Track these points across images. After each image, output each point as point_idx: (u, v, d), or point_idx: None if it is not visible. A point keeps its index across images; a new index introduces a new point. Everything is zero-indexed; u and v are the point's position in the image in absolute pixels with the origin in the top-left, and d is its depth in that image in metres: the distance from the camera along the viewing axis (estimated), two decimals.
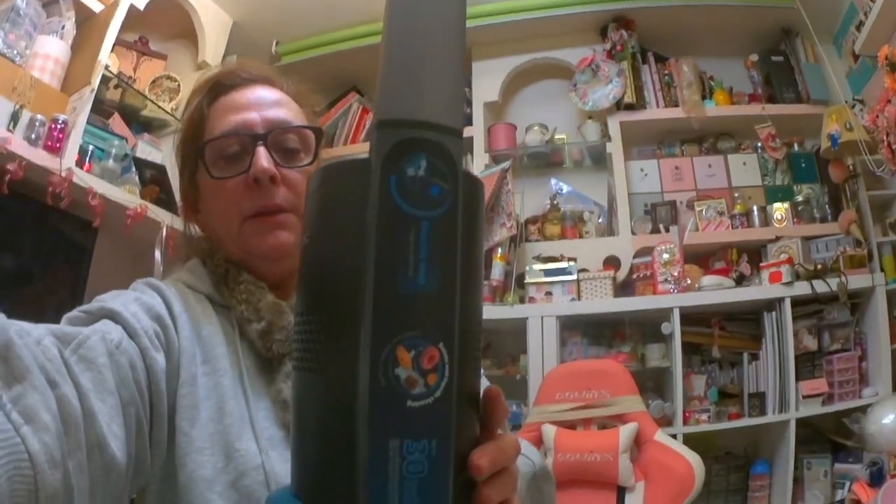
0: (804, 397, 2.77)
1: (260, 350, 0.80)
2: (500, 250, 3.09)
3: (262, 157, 0.81)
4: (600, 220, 3.40)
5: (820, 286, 2.84)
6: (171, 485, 0.71)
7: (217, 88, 0.88)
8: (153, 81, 3.10)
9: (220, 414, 0.74)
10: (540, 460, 0.78)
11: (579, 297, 3.03)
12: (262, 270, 0.85)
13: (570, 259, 3.14)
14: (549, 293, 3.05)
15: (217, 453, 0.72)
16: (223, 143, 0.83)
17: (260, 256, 0.84)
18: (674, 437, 2.62)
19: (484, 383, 0.51)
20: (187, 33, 3.21)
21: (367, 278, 0.41)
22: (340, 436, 0.42)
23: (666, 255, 3.00)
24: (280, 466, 0.73)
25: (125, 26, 2.69)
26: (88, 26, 2.64)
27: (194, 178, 0.89)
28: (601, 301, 3.02)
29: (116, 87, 2.83)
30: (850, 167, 3.04)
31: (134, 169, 2.74)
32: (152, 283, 0.82)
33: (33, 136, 2.26)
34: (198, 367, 0.75)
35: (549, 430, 2.50)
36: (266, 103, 0.86)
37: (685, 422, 2.80)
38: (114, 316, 0.70)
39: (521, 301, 3.06)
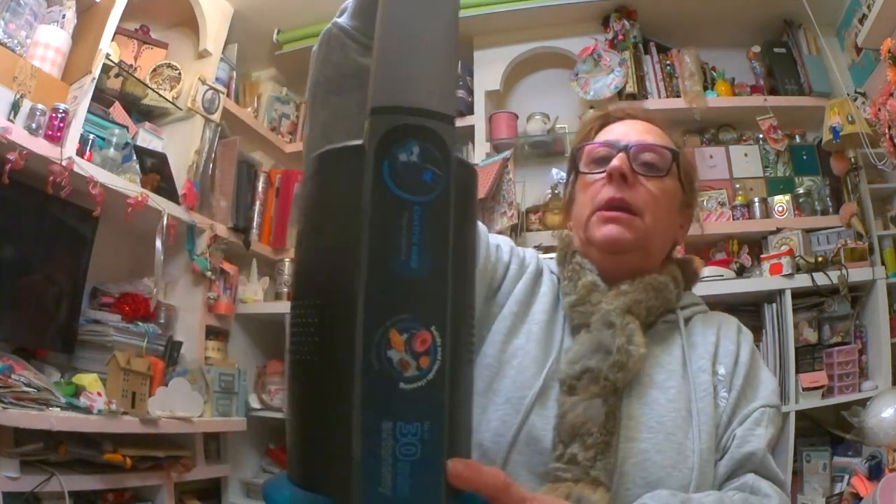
0: (804, 389, 2.77)
1: (568, 317, 1.00)
2: None
3: (619, 158, 0.99)
4: None
5: (820, 279, 2.83)
6: None
7: (607, 119, 1.11)
8: (154, 70, 3.09)
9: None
10: None
11: None
12: (598, 261, 1.03)
13: None
14: None
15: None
16: (594, 147, 1.05)
17: (596, 246, 1.01)
18: None
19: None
20: (188, 21, 3.20)
21: (361, 262, 0.41)
22: (334, 418, 0.42)
23: None
24: None
25: (126, 15, 2.68)
26: (89, 15, 2.63)
27: (574, 185, 1.09)
28: None
29: (117, 75, 2.82)
30: (852, 160, 3.03)
31: (135, 157, 2.73)
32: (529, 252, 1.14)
33: (34, 125, 2.25)
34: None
35: None
36: (638, 130, 1.06)
37: None
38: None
39: None
